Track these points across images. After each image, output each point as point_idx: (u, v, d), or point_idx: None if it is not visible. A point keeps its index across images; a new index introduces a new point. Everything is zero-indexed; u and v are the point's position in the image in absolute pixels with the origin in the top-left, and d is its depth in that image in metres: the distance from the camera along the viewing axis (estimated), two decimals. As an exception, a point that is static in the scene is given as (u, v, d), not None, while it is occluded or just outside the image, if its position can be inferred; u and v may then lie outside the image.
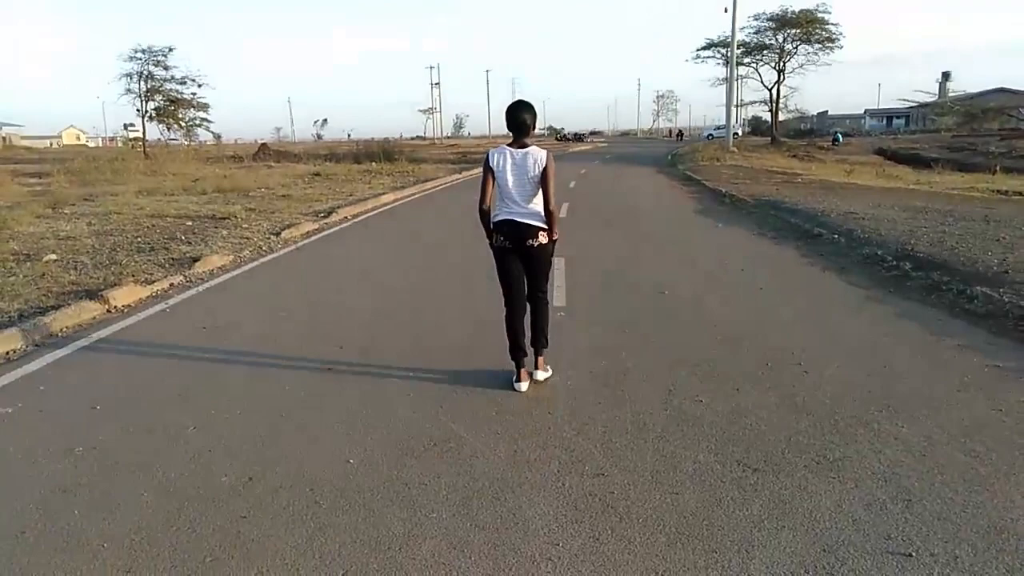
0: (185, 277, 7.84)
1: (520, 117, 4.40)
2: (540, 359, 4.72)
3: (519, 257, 4.54)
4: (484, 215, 4.53)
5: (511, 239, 4.46)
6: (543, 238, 4.45)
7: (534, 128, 4.49)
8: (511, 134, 4.49)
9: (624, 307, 6.54)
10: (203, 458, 3.63)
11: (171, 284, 7.54)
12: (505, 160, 4.40)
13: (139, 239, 10.25)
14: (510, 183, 4.40)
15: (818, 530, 2.88)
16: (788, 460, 3.50)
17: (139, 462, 3.59)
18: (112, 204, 14.83)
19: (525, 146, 4.41)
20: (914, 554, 2.71)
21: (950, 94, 68.44)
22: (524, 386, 4.51)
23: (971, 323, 5.77)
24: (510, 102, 4.55)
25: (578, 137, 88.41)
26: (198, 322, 6.20)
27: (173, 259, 8.69)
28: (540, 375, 4.69)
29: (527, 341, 4.63)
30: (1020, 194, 15.28)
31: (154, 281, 7.46)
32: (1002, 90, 63.24)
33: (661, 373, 4.75)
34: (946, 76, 76.32)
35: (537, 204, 4.42)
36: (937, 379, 4.57)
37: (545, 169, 4.34)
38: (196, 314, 6.51)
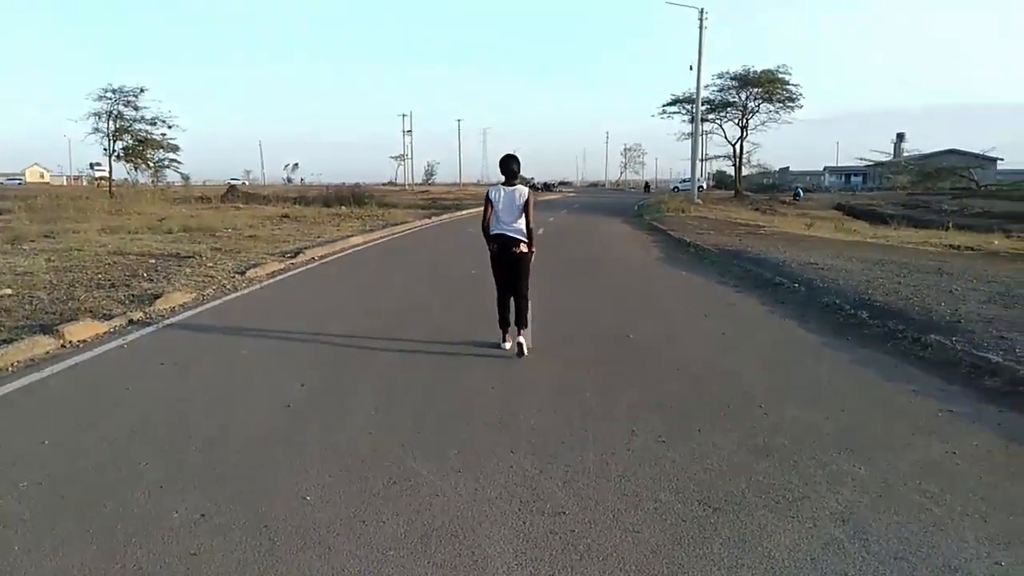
0: (145, 314, 7.69)
1: (510, 166, 6.36)
2: (521, 333, 6.41)
3: (506, 261, 6.43)
4: (486, 231, 6.48)
5: (501, 247, 6.40)
6: (523, 248, 6.38)
7: (519, 172, 6.43)
8: (504, 176, 6.38)
9: (589, 349, 6.58)
10: (155, 494, 3.52)
11: (130, 320, 7.39)
12: (500, 194, 6.37)
13: (99, 276, 10.06)
14: (501, 210, 6.34)
15: (777, 569, 2.89)
16: (748, 500, 3.51)
17: (86, 497, 3.47)
18: (73, 241, 14.60)
19: (513, 185, 6.38)
20: (871, 592, 2.73)
21: (904, 154, 71.07)
22: (508, 345, 6.46)
23: (925, 370, 5.91)
24: (503, 154, 6.44)
25: (547, 187, 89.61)
26: (156, 358, 6.07)
27: (134, 295, 8.54)
28: (521, 339, 6.34)
29: (512, 320, 6.46)
30: (971, 249, 15.83)
31: (112, 317, 7.31)
32: (953, 151, 66.17)
33: (624, 414, 4.76)
34: (900, 137, 79.08)
35: (520, 224, 6.35)
36: (893, 423, 4.65)
37: (527, 200, 6.33)
38: (155, 350, 6.38)
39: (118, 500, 3.44)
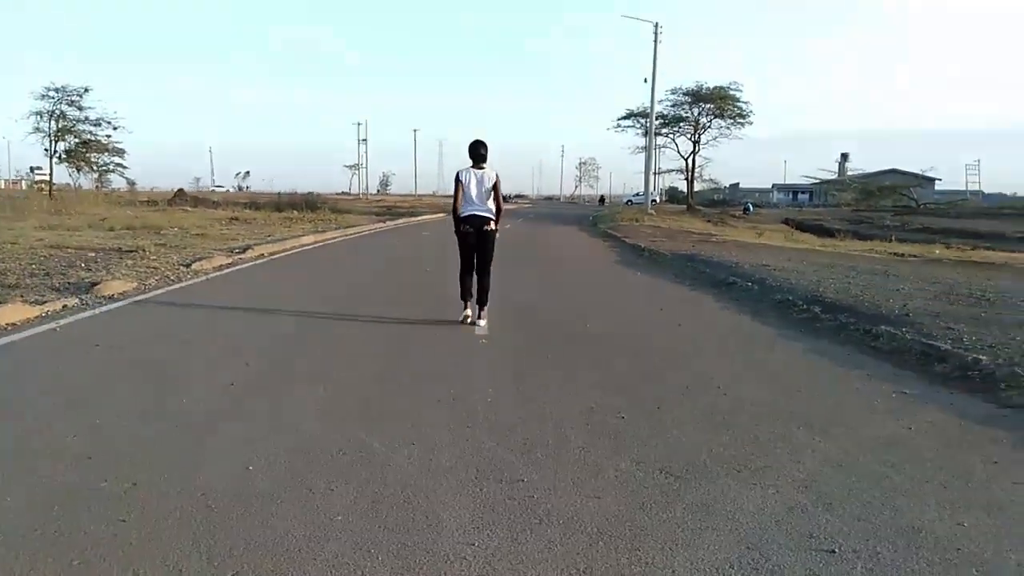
0: (81, 300, 7.29)
1: (478, 150, 6.71)
2: (483, 311, 6.83)
3: (476, 238, 6.76)
4: (455, 211, 6.78)
5: (473, 226, 6.72)
6: (492, 225, 6.79)
7: (487, 156, 6.74)
8: (472, 160, 6.70)
9: (547, 338, 6.47)
10: (82, 465, 3.26)
11: (64, 306, 6.98)
12: (470, 176, 6.70)
13: (33, 266, 9.55)
14: (473, 192, 6.69)
15: (741, 531, 2.80)
16: (709, 469, 3.43)
17: (6, 471, 3.20)
18: (8, 236, 13.89)
19: (482, 168, 6.71)
20: (836, 551, 2.66)
21: (848, 173, 73.26)
22: (469, 312, 6.77)
23: (877, 358, 5.96)
24: (472, 139, 6.78)
25: (504, 198, 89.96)
26: (91, 341, 5.74)
27: (70, 283, 8.12)
28: (481, 322, 6.71)
29: (473, 300, 6.83)
30: (915, 256, 16.32)
31: (45, 302, 6.91)
32: (894, 171, 68.52)
33: (583, 393, 4.66)
34: (845, 156, 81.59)
35: (490, 204, 6.74)
36: (850, 403, 4.65)
37: (495, 183, 6.75)
38: (90, 333, 6.04)
39: (40, 471, 3.18)
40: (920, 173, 65.02)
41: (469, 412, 4.20)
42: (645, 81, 38.13)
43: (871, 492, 3.21)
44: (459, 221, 6.78)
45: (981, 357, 5.55)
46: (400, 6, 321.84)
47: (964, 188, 73.24)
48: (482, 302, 6.86)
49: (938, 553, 2.67)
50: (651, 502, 3.04)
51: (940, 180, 70.97)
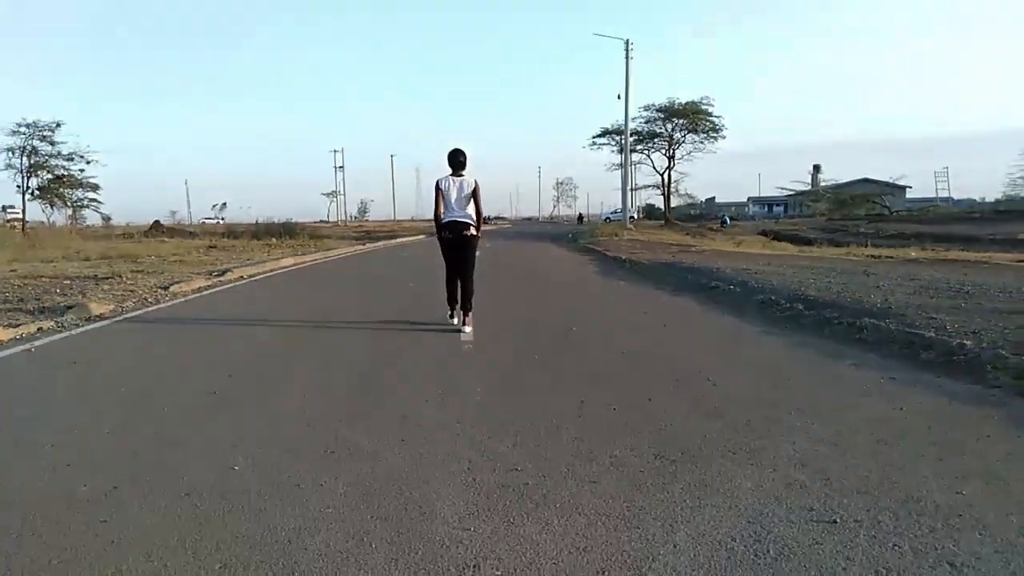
0: (57, 323, 7.15)
1: (457, 158, 6.83)
2: (467, 318, 6.87)
3: (457, 243, 6.88)
4: (438, 218, 6.86)
5: (453, 232, 6.84)
6: (472, 231, 6.90)
7: (466, 164, 6.86)
8: (451, 169, 6.81)
9: (533, 341, 6.42)
10: (60, 471, 3.15)
11: (40, 328, 6.84)
12: (450, 183, 6.80)
13: (7, 294, 9.36)
14: (453, 198, 6.79)
15: (741, 506, 2.76)
16: (705, 453, 3.39)
17: (-20, 479, 3.09)
18: (-21, 268, 13.66)
19: (461, 175, 6.82)
20: (838, 521, 2.63)
21: (821, 183, 74.27)
22: (455, 321, 7.00)
23: (863, 349, 5.97)
24: (451, 148, 6.86)
25: (485, 220, 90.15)
26: (68, 358, 5.61)
27: (44, 308, 7.96)
28: (467, 328, 6.72)
29: (458, 307, 7.01)
30: (891, 258, 16.54)
31: (20, 325, 6.76)
32: (867, 180, 69.64)
33: (572, 389, 4.61)
34: (817, 168, 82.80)
35: (469, 210, 6.85)
36: (839, 389, 4.64)
37: (475, 189, 6.84)
38: (66, 352, 5.91)
39: (15, 479, 3.07)
40: (891, 181, 66.12)
41: (458, 410, 4.13)
42: (619, 97, 38.34)
43: (868, 467, 3.18)
44: (441, 227, 6.89)
45: (966, 342, 5.57)
46: (376, 34, 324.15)
47: (934, 195, 74.53)
48: (466, 308, 6.92)
49: (939, 519, 2.65)
50: (648, 483, 2.99)
51: (911, 188, 72.29)
